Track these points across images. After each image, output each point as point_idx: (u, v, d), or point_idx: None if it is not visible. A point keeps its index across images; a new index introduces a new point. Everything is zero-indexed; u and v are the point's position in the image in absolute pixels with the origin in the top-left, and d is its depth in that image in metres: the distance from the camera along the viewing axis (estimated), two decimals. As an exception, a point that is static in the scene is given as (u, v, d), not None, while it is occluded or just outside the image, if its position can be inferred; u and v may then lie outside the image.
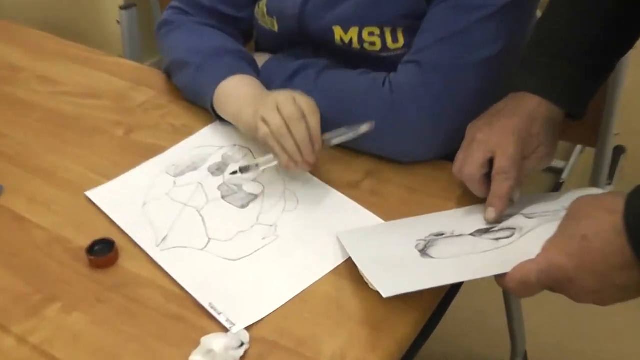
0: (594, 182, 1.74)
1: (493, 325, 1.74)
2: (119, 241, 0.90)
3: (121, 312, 0.83)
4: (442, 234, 0.86)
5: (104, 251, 0.89)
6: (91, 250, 0.89)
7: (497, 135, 0.88)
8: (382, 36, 1.01)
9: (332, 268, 0.86)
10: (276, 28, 1.11)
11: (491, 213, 0.87)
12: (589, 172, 1.74)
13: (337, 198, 0.95)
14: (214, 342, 0.76)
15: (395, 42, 1.01)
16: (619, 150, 2.14)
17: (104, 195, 0.97)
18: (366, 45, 1.02)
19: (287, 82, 1.04)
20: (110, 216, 0.94)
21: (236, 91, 1.01)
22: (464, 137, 0.97)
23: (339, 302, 0.82)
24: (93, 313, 0.83)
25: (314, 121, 0.90)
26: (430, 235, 0.86)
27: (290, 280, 0.84)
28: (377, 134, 0.96)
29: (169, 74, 1.16)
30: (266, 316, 0.81)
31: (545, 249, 0.76)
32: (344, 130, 0.94)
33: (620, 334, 1.72)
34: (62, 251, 0.91)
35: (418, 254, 0.83)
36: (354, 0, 1.02)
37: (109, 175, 1.01)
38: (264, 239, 0.90)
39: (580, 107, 0.94)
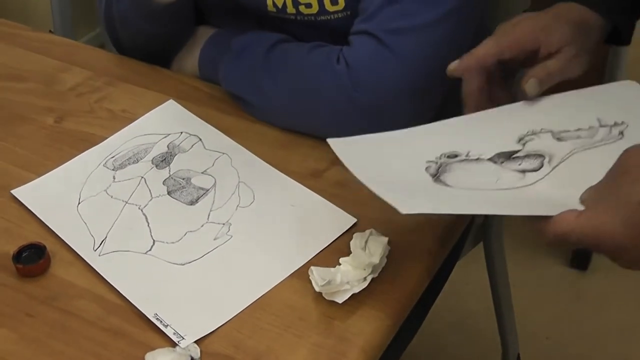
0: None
1: (482, 327, 1.77)
2: (50, 246, 0.91)
3: (54, 328, 0.84)
4: (456, 156, 0.84)
5: (34, 258, 0.89)
6: (18, 257, 0.89)
7: (512, 27, 0.89)
8: None
9: (292, 271, 0.87)
10: None
11: (534, 85, 0.88)
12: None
13: (298, 191, 0.96)
14: (160, 358, 0.78)
15: (335, 4, 1.02)
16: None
17: (32, 194, 0.98)
18: (302, 8, 1.03)
19: (234, 60, 1.06)
20: (41, 217, 0.95)
21: None
22: (439, 110, 0.99)
23: (301, 310, 0.83)
24: (22, 330, 0.84)
25: None
26: (442, 157, 0.84)
27: (246, 286, 0.86)
28: (335, 120, 0.97)
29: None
30: (219, 327, 0.82)
31: (593, 206, 0.74)
32: None
33: (623, 335, 1.76)
34: (-17, 259, 0.91)
35: (430, 178, 0.82)
36: None
37: (37, 171, 1.01)
38: (215, 239, 0.91)
39: (626, 21, 0.94)
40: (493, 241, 1.35)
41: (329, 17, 1.04)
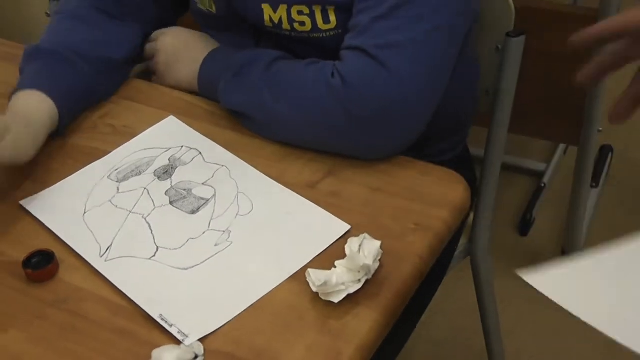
0: (577, 183, 1.84)
1: (471, 344, 1.82)
2: (58, 253, 0.96)
3: (63, 329, 0.89)
4: None
5: (42, 263, 0.94)
6: (28, 262, 0.94)
7: None
8: (312, 15, 1.09)
9: (290, 274, 0.92)
10: (214, 9, 1.20)
11: None
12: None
13: (294, 200, 1.01)
14: (166, 354, 0.82)
15: (327, 23, 1.09)
16: (606, 150, 2.25)
17: (40, 204, 1.03)
18: (296, 26, 1.10)
19: (235, 78, 1.11)
20: (49, 226, 1.00)
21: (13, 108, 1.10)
22: (430, 120, 1.05)
23: (298, 310, 0.89)
24: (32, 331, 0.89)
25: None
26: None
27: (246, 288, 0.91)
28: (332, 132, 1.03)
29: None
30: (221, 327, 0.87)
31: None
32: None
33: (608, 351, 1.81)
34: (-6, 266, 0.96)
35: None
36: None
37: (45, 183, 1.06)
38: (216, 245, 0.96)
39: None
40: (480, 255, 1.41)
41: (321, 35, 1.11)
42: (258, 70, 1.09)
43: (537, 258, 2.03)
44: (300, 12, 1.09)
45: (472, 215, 1.38)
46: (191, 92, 1.21)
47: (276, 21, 1.12)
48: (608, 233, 2.09)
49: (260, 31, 1.17)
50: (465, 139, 1.33)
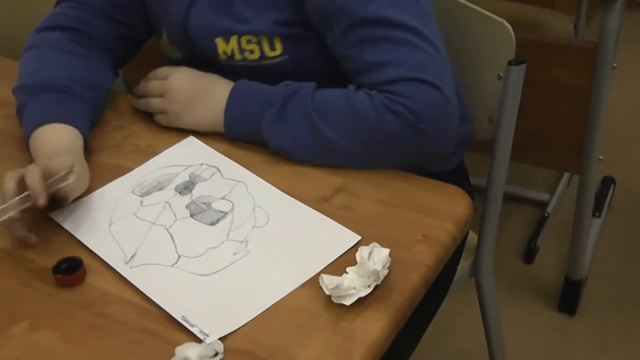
0: (579, 213, 1.90)
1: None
2: (86, 260, 1.02)
3: (91, 328, 0.95)
4: None
5: (71, 270, 1.01)
6: (58, 268, 1.01)
7: None
8: (259, 43, 1.19)
9: (304, 280, 0.99)
10: (180, 54, 1.30)
11: None
12: (576, 204, 1.90)
13: (308, 213, 1.08)
14: (189, 351, 0.88)
15: (273, 50, 1.20)
16: (608, 182, 2.31)
17: (68, 216, 1.10)
18: (247, 54, 1.21)
19: (280, 111, 1.15)
20: (77, 236, 1.07)
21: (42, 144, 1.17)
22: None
23: (312, 313, 0.95)
24: (62, 330, 0.95)
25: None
26: None
27: (263, 292, 0.97)
28: (399, 154, 1.14)
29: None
30: (240, 327, 0.93)
31: None
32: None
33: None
34: (24, 271, 1.03)
35: None
36: (229, 10, 1.20)
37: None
38: (234, 254, 1.03)
39: None
40: (484, 274, 1.46)
41: (270, 62, 1.21)
42: (305, 100, 1.14)
43: (542, 286, 2.09)
44: (249, 41, 1.19)
45: (475, 238, 1.44)
46: (210, 132, 1.23)
47: (229, 53, 1.21)
48: (611, 262, 2.15)
49: (215, 64, 1.24)
50: (462, 148, 1.37)
